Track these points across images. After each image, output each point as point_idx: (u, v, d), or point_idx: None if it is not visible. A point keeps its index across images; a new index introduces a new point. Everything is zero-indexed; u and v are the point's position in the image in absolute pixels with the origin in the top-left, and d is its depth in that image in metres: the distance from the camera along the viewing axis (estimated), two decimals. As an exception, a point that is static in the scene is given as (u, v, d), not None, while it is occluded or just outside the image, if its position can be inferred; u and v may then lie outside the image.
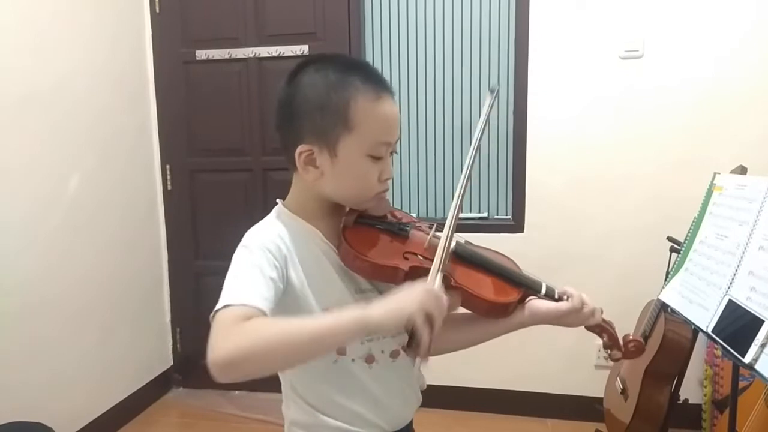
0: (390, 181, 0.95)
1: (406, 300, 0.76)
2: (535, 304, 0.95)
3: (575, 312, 0.93)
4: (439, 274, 0.83)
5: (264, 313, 0.77)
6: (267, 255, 0.85)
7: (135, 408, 2.70)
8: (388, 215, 0.98)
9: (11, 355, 2.05)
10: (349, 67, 0.90)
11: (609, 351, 1.00)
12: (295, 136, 0.89)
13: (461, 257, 0.95)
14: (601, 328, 0.98)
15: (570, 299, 0.94)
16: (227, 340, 0.72)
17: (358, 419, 0.93)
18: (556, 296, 0.95)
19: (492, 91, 1.02)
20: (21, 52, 2.09)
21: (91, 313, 2.43)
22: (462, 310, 0.95)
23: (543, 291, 0.95)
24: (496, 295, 0.93)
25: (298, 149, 0.88)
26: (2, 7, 2.01)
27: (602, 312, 0.98)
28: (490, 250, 1.01)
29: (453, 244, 0.94)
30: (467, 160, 0.96)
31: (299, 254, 0.90)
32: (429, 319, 0.76)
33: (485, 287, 0.93)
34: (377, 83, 0.89)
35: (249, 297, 0.78)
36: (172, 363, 2.98)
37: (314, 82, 0.88)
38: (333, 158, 0.88)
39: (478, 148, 0.97)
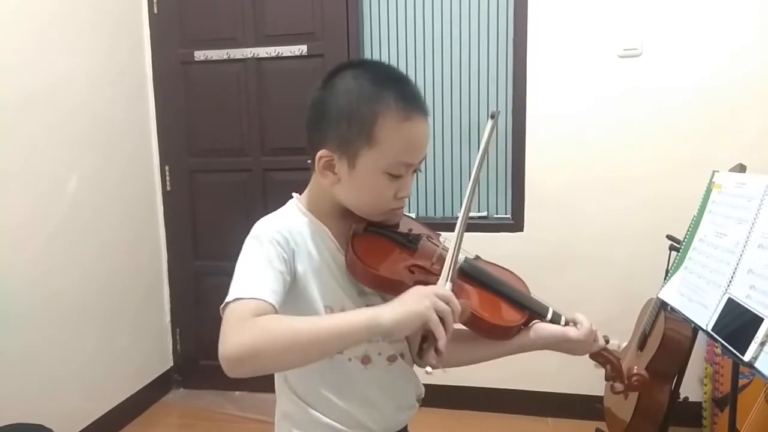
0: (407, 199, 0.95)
1: (418, 301, 0.76)
2: (542, 327, 0.93)
3: (582, 342, 0.92)
4: (448, 282, 0.82)
5: (273, 307, 0.79)
6: (276, 248, 0.86)
7: (135, 409, 2.70)
8: (401, 225, 0.97)
9: (11, 357, 2.04)
10: (387, 80, 0.89)
11: (612, 383, 0.98)
12: (320, 139, 0.89)
13: (467, 275, 0.94)
14: (606, 359, 0.96)
15: (579, 326, 0.92)
16: (239, 334, 0.74)
17: (348, 418, 0.93)
18: (563, 322, 0.93)
19: (492, 117, 0.99)
20: (19, 53, 2.08)
21: (91, 314, 2.43)
22: (462, 327, 0.94)
23: (549, 316, 0.93)
24: (500, 317, 0.91)
25: (319, 153, 0.89)
26: (2, 8, 2.01)
27: (608, 342, 0.96)
28: (499, 266, 0.99)
29: (461, 260, 0.93)
30: (468, 190, 0.94)
31: (307, 249, 0.91)
32: (442, 320, 0.75)
33: (489, 308, 0.91)
34: (411, 102, 0.87)
35: (259, 290, 0.79)
36: (172, 364, 2.98)
37: (348, 90, 0.88)
38: (351, 169, 0.88)
39: (477, 180, 0.96)
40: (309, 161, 0.95)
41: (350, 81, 0.88)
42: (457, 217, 0.92)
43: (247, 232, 0.91)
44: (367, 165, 0.87)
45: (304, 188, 1.00)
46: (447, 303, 0.76)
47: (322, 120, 0.89)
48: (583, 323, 0.93)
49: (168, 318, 2.96)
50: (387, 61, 2.66)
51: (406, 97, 0.87)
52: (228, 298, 0.79)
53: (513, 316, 0.92)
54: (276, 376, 0.99)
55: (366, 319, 0.75)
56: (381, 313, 0.75)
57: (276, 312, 0.79)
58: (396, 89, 0.87)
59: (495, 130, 0.98)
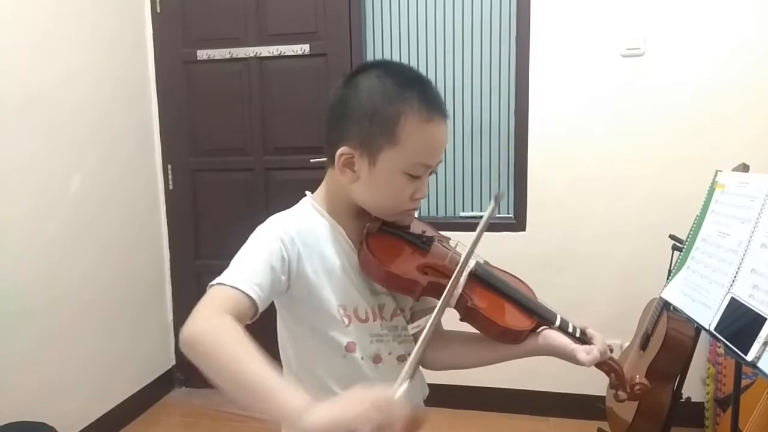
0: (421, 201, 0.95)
1: (352, 412, 0.62)
2: (551, 336, 0.93)
3: (592, 363, 0.91)
4: (407, 381, 0.72)
5: (252, 301, 0.80)
6: (278, 244, 0.87)
7: (137, 408, 2.71)
8: (412, 227, 0.99)
9: (14, 356, 2.05)
10: (410, 81, 0.91)
11: (615, 391, 0.99)
12: (341, 137, 0.90)
13: (479, 279, 0.95)
14: (610, 368, 0.97)
15: (589, 352, 0.90)
16: (202, 322, 0.75)
17: None
18: (570, 329, 0.94)
19: (496, 199, 0.99)
20: (22, 53, 2.09)
21: (93, 313, 2.43)
22: (471, 328, 0.95)
23: (557, 323, 0.94)
24: (511, 321, 0.93)
25: (340, 150, 0.90)
26: (3, 8, 2.02)
27: (612, 351, 0.97)
28: (507, 272, 1.01)
29: (472, 264, 0.94)
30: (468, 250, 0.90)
31: (320, 248, 0.92)
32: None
33: (500, 312, 0.93)
34: (433, 104, 0.90)
35: (243, 282, 0.81)
36: (174, 363, 2.98)
37: (372, 89, 0.89)
38: (371, 167, 0.89)
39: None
40: (325, 159, 0.95)
41: (374, 80, 0.90)
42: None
43: (249, 232, 0.91)
44: (388, 164, 0.88)
45: (306, 187, 1.00)
46: (391, 416, 0.62)
47: (344, 117, 0.90)
48: (596, 337, 0.93)
49: (170, 317, 2.97)
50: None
51: (428, 99, 0.89)
52: (215, 280, 0.81)
53: (523, 321, 0.94)
54: (284, 374, 0.99)
55: (291, 407, 0.66)
56: (310, 411, 0.64)
57: (254, 306, 0.80)
58: (419, 91, 0.89)
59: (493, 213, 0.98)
